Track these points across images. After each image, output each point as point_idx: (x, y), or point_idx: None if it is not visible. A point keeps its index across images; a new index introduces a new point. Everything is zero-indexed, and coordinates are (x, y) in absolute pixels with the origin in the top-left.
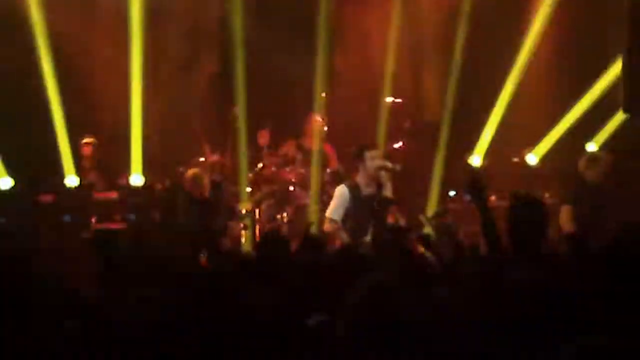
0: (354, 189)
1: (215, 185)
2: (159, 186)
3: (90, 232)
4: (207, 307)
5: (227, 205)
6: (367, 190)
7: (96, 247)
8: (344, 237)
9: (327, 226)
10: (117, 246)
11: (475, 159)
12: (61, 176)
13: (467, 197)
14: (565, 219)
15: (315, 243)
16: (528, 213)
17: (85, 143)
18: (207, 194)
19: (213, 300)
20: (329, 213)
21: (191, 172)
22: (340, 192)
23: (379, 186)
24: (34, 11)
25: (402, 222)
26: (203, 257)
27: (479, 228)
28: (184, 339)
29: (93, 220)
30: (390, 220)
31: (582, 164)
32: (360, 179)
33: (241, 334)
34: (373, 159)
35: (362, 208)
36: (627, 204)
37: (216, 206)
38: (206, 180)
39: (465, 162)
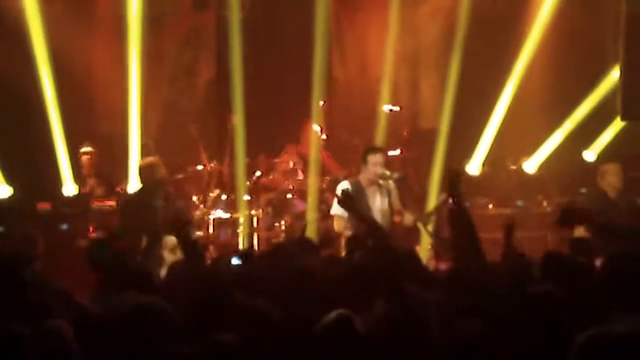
0: (355, 185)
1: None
2: None
3: (87, 241)
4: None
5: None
6: (368, 189)
7: (91, 256)
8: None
9: (336, 224)
10: (113, 254)
11: (472, 166)
12: (59, 184)
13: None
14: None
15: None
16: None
17: (84, 152)
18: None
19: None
20: (334, 210)
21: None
22: (342, 187)
23: (383, 194)
24: (33, 20)
25: (409, 219)
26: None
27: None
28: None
29: (91, 228)
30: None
31: (598, 174)
32: (362, 177)
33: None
34: (375, 165)
35: (361, 203)
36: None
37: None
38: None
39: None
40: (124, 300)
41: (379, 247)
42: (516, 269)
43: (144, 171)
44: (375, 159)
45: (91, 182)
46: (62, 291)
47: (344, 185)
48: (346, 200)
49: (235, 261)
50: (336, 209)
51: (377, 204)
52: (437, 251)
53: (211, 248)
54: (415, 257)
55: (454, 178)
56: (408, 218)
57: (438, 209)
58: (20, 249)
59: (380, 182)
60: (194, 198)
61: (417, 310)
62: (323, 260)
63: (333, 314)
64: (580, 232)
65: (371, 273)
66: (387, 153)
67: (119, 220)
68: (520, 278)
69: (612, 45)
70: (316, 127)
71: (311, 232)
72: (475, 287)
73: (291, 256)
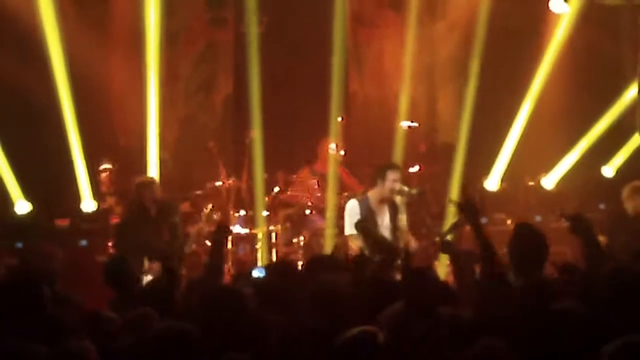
0: (362, 202)
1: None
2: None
3: (106, 257)
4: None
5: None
6: (377, 207)
7: (109, 272)
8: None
9: (352, 243)
10: (131, 271)
11: (490, 182)
12: (78, 201)
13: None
14: None
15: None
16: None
17: (103, 169)
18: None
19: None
20: (347, 231)
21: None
22: (350, 206)
23: (394, 209)
24: (51, 36)
25: (413, 246)
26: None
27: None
28: None
29: (109, 245)
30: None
31: (624, 194)
32: (372, 194)
33: None
34: (393, 181)
35: (370, 222)
36: None
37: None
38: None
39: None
40: (150, 323)
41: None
42: (535, 285)
43: (139, 189)
44: (394, 175)
45: (110, 199)
46: (85, 308)
47: (352, 204)
48: (361, 229)
49: (256, 273)
50: (349, 229)
51: (386, 222)
52: (455, 267)
53: (229, 263)
54: (432, 274)
55: (466, 192)
56: (412, 245)
57: (455, 226)
58: (39, 266)
59: (396, 199)
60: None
61: (437, 326)
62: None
63: (356, 330)
64: None
65: (389, 290)
66: (404, 169)
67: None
68: (540, 294)
69: (631, 60)
70: (332, 145)
71: (328, 249)
72: (496, 302)
73: (315, 272)
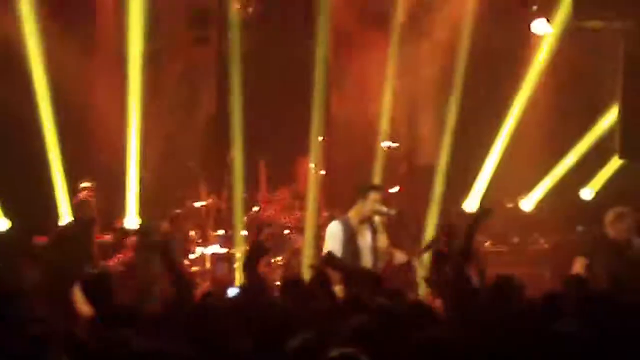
0: (344, 224)
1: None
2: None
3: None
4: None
5: None
6: (357, 227)
7: (87, 290)
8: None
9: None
10: (109, 288)
11: (469, 204)
12: (57, 219)
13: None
14: (577, 269)
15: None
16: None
17: (83, 187)
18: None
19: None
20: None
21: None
22: (333, 229)
23: (373, 229)
24: (32, 52)
25: (400, 258)
26: None
27: None
28: None
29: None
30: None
31: (608, 218)
32: (353, 215)
33: None
34: (374, 201)
35: (352, 244)
36: None
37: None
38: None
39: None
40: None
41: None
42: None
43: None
44: (376, 196)
45: None
46: (58, 326)
47: (334, 226)
48: (331, 260)
49: (232, 292)
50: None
51: (368, 242)
52: (433, 287)
53: (207, 283)
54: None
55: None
56: (398, 257)
57: (433, 244)
58: (11, 283)
59: (375, 219)
60: (192, 233)
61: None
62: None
63: (336, 352)
64: (577, 268)
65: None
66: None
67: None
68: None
69: (611, 84)
70: (311, 165)
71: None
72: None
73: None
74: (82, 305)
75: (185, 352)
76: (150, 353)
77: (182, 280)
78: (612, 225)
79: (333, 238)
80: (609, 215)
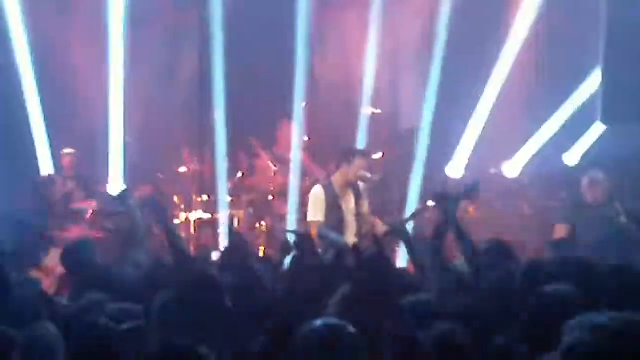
0: (327, 187)
1: None
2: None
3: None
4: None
5: None
6: (341, 192)
7: (68, 257)
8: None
9: (314, 232)
10: (91, 256)
11: (454, 169)
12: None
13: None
14: (559, 235)
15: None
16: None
17: (66, 154)
18: None
19: None
20: (310, 217)
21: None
22: (316, 193)
23: (357, 195)
24: (14, 15)
25: (380, 229)
26: None
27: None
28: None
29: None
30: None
31: (583, 184)
32: (336, 179)
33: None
34: (359, 167)
35: (335, 209)
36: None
37: None
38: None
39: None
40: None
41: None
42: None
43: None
44: (361, 161)
45: (71, 183)
46: (42, 293)
47: (317, 190)
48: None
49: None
50: (312, 216)
51: (351, 207)
52: (414, 256)
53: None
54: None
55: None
56: (379, 225)
57: (417, 214)
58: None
59: (358, 184)
60: (175, 199)
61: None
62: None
63: (320, 323)
64: (559, 234)
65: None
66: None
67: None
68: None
69: (594, 49)
70: (295, 129)
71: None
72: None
73: None
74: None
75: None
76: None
77: (178, 242)
78: (589, 191)
79: (315, 202)
80: (584, 181)
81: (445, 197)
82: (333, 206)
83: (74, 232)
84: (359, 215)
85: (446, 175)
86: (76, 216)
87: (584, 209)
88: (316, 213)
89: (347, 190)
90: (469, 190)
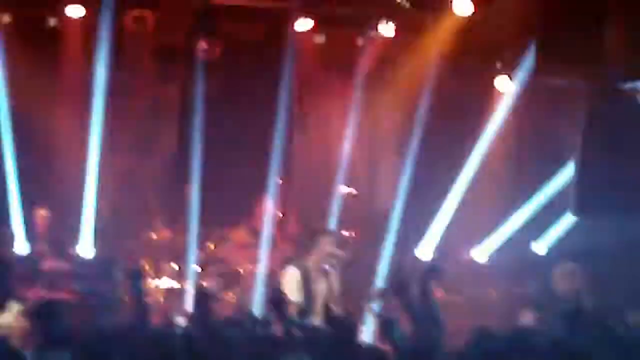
0: (302, 269)
1: None
2: None
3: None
4: None
5: None
6: (315, 273)
7: (36, 318)
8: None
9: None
10: (60, 317)
11: (423, 253)
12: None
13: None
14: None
15: None
16: None
17: (40, 214)
18: None
19: None
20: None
21: None
22: (289, 274)
23: (327, 275)
24: None
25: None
26: None
27: None
28: None
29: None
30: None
31: (555, 274)
32: (308, 258)
33: None
34: (325, 245)
35: (306, 288)
36: None
37: None
38: None
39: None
40: None
41: None
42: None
43: None
44: (326, 239)
45: (43, 245)
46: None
47: (291, 271)
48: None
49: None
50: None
51: (324, 290)
52: (382, 331)
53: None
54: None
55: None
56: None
57: (381, 294)
58: None
59: (326, 265)
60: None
61: None
62: None
63: None
64: (525, 318)
65: None
66: (339, 235)
67: None
68: None
69: (570, 141)
70: (269, 204)
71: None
72: None
73: None
74: None
75: None
76: None
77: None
78: (560, 281)
79: (289, 283)
80: (556, 272)
81: (402, 285)
82: (304, 286)
83: (40, 292)
84: (332, 295)
85: (415, 257)
86: (45, 276)
87: (553, 299)
88: (289, 293)
89: (318, 272)
90: (430, 270)
